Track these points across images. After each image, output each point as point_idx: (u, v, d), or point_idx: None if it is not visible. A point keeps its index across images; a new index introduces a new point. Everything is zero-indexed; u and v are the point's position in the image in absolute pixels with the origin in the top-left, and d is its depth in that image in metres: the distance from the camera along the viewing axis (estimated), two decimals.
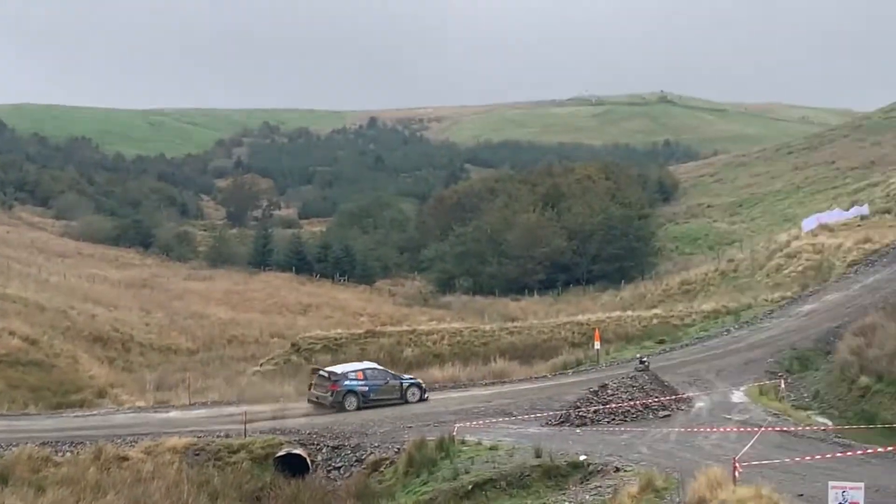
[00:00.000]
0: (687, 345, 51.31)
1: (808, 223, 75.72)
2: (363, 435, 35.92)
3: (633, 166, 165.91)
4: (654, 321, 59.14)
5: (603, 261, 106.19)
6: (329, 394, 40.45)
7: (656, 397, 36.40)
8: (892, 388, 34.04)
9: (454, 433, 33.06)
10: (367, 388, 40.89)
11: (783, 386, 38.99)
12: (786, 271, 64.90)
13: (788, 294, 57.83)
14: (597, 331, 51.85)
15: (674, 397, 36.96)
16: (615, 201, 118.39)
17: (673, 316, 59.63)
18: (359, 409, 40.11)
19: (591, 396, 37.03)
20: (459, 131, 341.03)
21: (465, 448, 31.62)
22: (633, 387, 37.17)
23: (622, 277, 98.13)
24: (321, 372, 42.03)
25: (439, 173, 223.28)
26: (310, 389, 41.94)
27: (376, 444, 34.53)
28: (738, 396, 38.33)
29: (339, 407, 40.10)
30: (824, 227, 72.58)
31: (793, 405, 36.78)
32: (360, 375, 41.05)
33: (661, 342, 53.30)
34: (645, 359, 41.66)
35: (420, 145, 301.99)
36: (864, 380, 36.09)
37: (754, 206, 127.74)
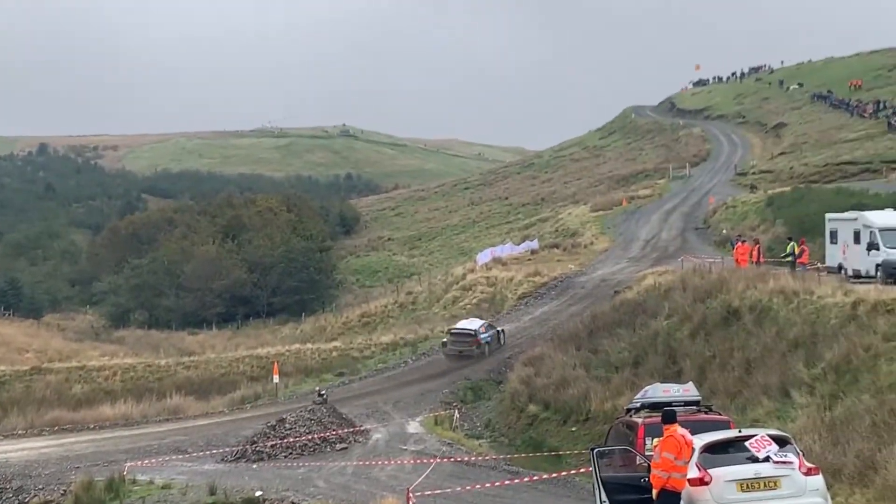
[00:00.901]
0: (366, 377, 51.84)
1: (483, 257, 78.52)
2: (26, 477, 33.92)
3: (316, 199, 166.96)
4: (334, 353, 59.44)
5: (284, 293, 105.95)
6: (474, 347, 50.51)
7: (334, 430, 36.50)
8: (558, 416, 35.71)
9: (125, 473, 31.79)
10: (489, 338, 51.37)
11: (457, 416, 40.12)
12: (461, 303, 66.87)
13: None
14: (276, 364, 51.52)
15: (351, 430, 37.19)
16: (297, 233, 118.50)
17: (353, 348, 60.14)
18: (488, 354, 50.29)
19: (268, 431, 36.66)
20: (136, 160, 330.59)
21: (136, 488, 30.41)
22: (312, 420, 37.11)
23: (303, 310, 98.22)
24: (455, 330, 52.02)
25: (114, 203, 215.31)
26: (444, 346, 51.70)
27: (41, 487, 32.64)
28: (414, 427, 39.06)
29: (478, 355, 50.19)
30: (497, 261, 75.47)
31: (466, 434, 37.88)
32: (484, 329, 51.60)
33: (341, 374, 53.59)
34: (323, 392, 41.74)
35: (94, 174, 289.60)
36: (532, 408, 37.70)
37: (433, 239, 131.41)
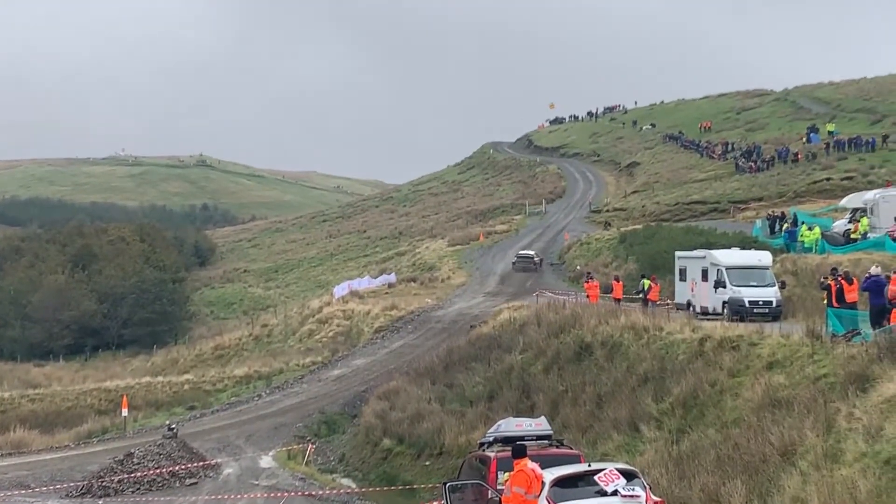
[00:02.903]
0: (218, 410, 51.05)
1: (340, 290, 78.25)
2: None
3: (170, 229, 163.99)
4: (186, 387, 58.41)
5: (135, 325, 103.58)
6: (531, 264, 76.78)
7: (184, 464, 35.76)
8: (412, 450, 35.67)
9: None
10: (539, 260, 78.59)
11: (311, 450, 39.74)
12: (317, 336, 66.46)
13: (319, 359, 59.23)
14: (125, 397, 50.32)
15: (202, 464, 36.48)
16: (150, 264, 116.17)
17: (205, 381, 59.17)
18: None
19: (115, 465, 35.74)
20: None
21: None
22: (161, 454, 36.31)
23: (155, 342, 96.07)
24: (520, 254, 79.39)
25: None
26: (514, 265, 78.02)
27: None
28: (266, 462, 38.54)
29: (533, 270, 76.04)
30: (355, 294, 75.35)
31: (319, 469, 37.54)
32: (536, 255, 78.89)
33: (192, 408, 52.70)
34: (174, 425, 40.89)
35: None
36: (386, 442, 37.58)
37: (289, 271, 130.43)
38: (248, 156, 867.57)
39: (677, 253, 45.36)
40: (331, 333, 65.83)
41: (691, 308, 40.87)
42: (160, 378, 62.61)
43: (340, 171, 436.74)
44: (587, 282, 49.14)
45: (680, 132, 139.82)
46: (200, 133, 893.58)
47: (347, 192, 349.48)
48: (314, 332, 68.08)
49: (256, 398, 52.51)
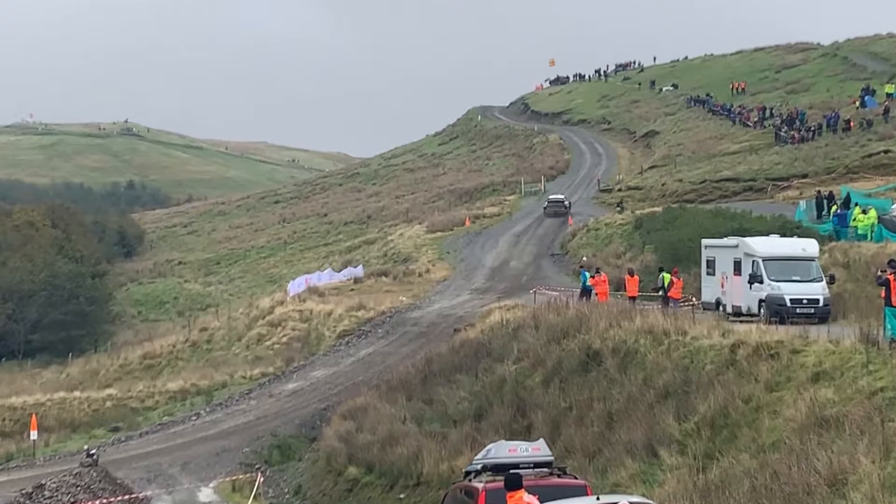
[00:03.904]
0: (147, 432, 51.08)
1: (296, 286, 78.23)
2: None
3: (89, 212, 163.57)
4: (108, 404, 58.42)
5: (46, 328, 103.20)
6: (562, 208, 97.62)
7: (106, 498, 35.76)
8: (384, 480, 35.66)
9: None
10: (569, 204, 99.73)
11: (261, 480, 39.75)
12: (268, 342, 66.45)
13: (271, 370, 59.27)
14: (34, 417, 50.26)
15: (127, 498, 36.51)
16: (64, 254, 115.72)
17: (132, 397, 59.17)
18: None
19: (22, 500, 35.72)
20: None
21: None
22: (78, 486, 36.36)
23: (70, 349, 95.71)
24: (551, 198, 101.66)
25: None
26: (545, 210, 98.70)
27: None
28: (206, 495, 38.59)
29: (564, 214, 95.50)
30: (313, 291, 75.31)
31: (271, 503, 37.57)
32: (566, 200, 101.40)
33: (116, 430, 52.73)
34: (93, 451, 40.93)
35: None
36: (352, 470, 37.59)
37: (234, 263, 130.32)
38: (184, 123, 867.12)
39: (704, 241, 45.49)
40: (284, 339, 65.82)
41: (721, 308, 41.01)
42: (77, 393, 62.52)
43: (296, 142, 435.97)
44: (595, 276, 49.26)
45: (707, 94, 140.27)
46: (126, 95, 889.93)
47: (304, 166, 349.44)
48: (264, 337, 68.06)
49: (194, 417, 52.52)
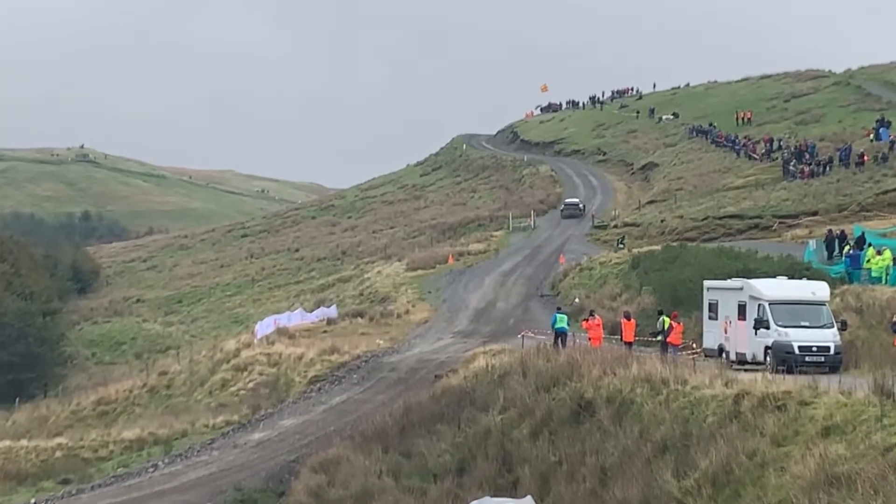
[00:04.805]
0: (100, 485, 50.68)
1: (264, 327, 77.97)
2: None
3: (40, 244, 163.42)
4: (58, 454, 58.02)
5: None
6: (577, 210, 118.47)
7: None
8: None
9: None
10: (583, 206, 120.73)
11: None
12: (233, 388, 66.16)
13: (235, 418, 58.94)
14: None
15: None
16: (11, 291, 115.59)
17: (84, 447, 58.78)
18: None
19: None
20: None
21: None
22: None
23: (17, 394, 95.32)
24: (567, 201, 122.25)
25: None
26: (562, 212, 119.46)
27: None
28: None
29: (580, 215, 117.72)
30: (283, 333, 75.07)
31: None
32: (581, 202, 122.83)
33: (66, 482, 52.32)
34: None
35: None
36: None
37: (197, 302, 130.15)
38: (144, 149, 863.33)
39: (706, 283, 45.59)
40: (251, 384, 65.57)
41: (724, 355, 41.05)
42: (24, 442, 62.11)
43: (265, 171, 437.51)
44: (588, 320, 49.30)
45: (711, 124, 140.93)
46: (82, 119, 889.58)
47: (275, 197, 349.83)
48: (229, 382, 67.82)
49: (151, 469, 52.19)
